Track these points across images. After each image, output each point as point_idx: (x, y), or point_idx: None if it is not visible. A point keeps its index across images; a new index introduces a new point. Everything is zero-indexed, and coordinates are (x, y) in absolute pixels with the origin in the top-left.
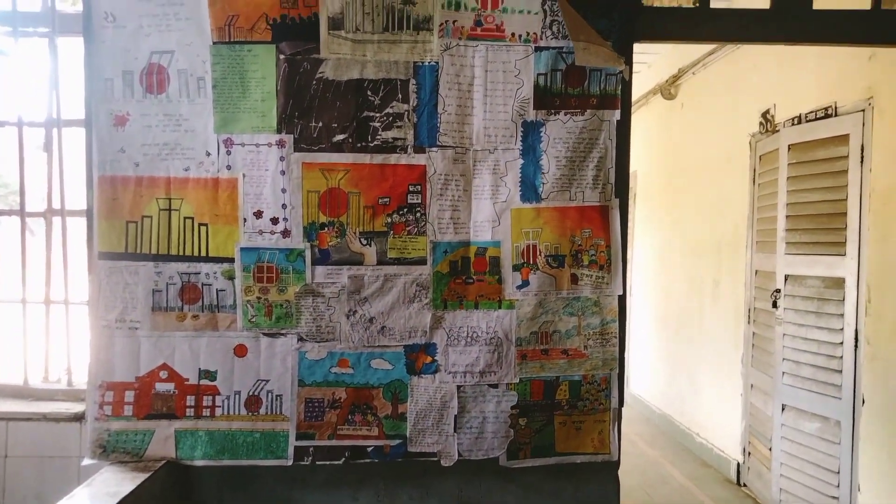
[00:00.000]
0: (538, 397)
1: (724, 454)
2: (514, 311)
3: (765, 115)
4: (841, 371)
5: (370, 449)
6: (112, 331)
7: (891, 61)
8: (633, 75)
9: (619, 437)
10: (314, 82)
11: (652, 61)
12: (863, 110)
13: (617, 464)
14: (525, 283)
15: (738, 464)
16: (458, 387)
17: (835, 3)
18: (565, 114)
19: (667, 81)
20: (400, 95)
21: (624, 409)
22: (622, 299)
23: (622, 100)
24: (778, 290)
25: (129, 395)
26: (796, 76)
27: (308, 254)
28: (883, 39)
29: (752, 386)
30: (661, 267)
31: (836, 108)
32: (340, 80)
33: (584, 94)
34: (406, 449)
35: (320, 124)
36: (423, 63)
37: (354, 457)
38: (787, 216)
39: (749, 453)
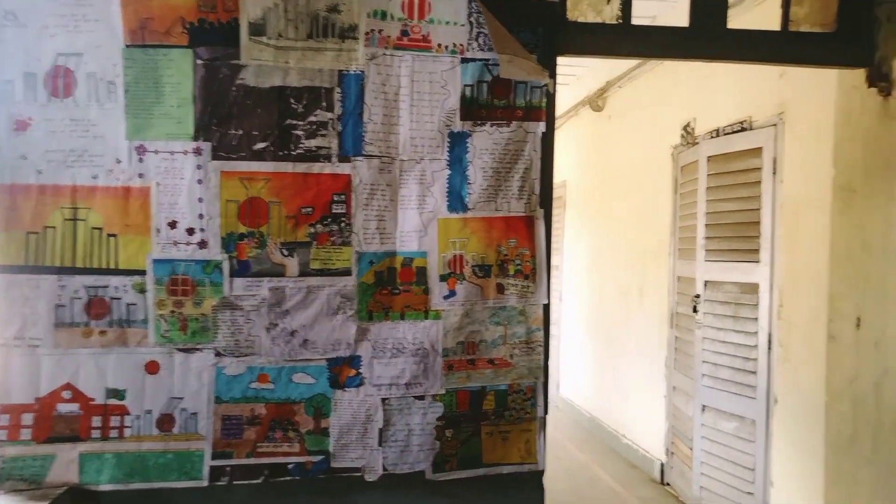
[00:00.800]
0: (464, 408)
1: (649, 455)
2: (440, 322)
3: (686, 127)
4: (755, 372)
5: (291, 466)
6: (9, 349)
7: (800, 79)
8: (564, 87)
9: (545, 446)
10: (234, 88)
11: (581, 73)
12: (775, 125)
13: (542, 473)
14: (452, 294)
15: (662, 464)
16: (384, 399)
17: (748, 23)
18: (492, 125)
19: (595, 94)
20: (324, 103)
21: (556, 414)
22: (546, 308)
23: (547, 112)
24: (698, 296)
25: (28, 418)
26: (715, 91)
27: (226, 265)
28: (790, 59)
29: (674, 388)
30: (591, 273)
31: (750, 122)
32: (262, 86)
33: (510, 105)
34: (329, 465)
35: (240, 132)
36: (348, 71)
37: (274, 475)
38: (706, 224)
39: (672, 453)
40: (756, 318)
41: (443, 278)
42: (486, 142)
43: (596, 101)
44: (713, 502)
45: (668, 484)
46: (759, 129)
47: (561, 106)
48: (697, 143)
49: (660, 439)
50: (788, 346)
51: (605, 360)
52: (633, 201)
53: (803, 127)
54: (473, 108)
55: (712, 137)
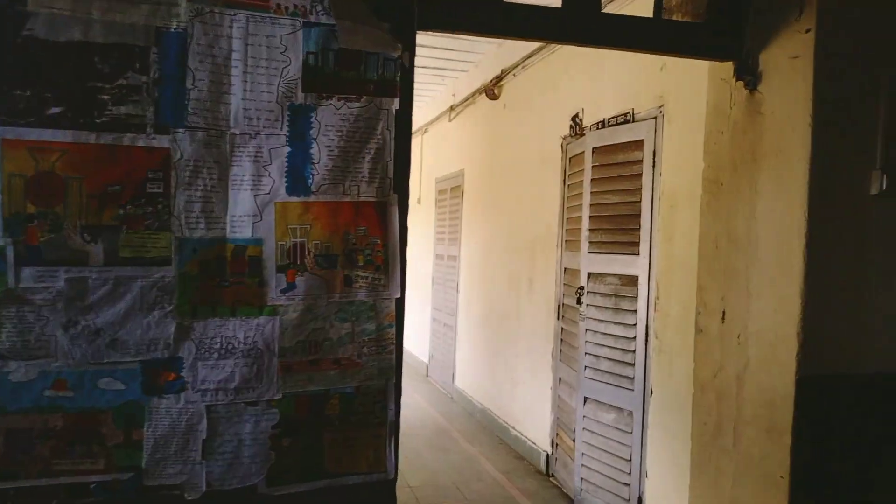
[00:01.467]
0: (305, 414)
1: (536, 446)
2: (277, 319)
3: (575, 118)
4: (633, 364)
5: (94, 485)
6: None
7: (679, 72)
8: (462, 74)
9: (397, 454)
10: (20, 41)
11: (478, 61)
12: (655, 117)
13: (394, 482)
14: (291, 286)
15: (548, 455)
16: (209, 406)
17: (625, 9)
18: (339, 99)
19: (491, 82)
20: (137, 65)
21: (449, 406)
22: (400, 302)
23: (403, 88)
24: (582, 288)
25: None
26: (602, 83)
27: (11, 252)
28: (662, 48)
29: (560, 379)
30: (485, 264)
31: (633, 114)
32: (57, 40)
33: (361, 78)
34: (141, 482)
35: (28, 93)
36: (167, 29)
37: (73, 496)
38: (591, 216)
39: (557, 445)
40: (635, 311)
41: (281, 269)
42: (332, 117)
43: (492, 90)
44: (592, 493)
45: (552, 475)
46: (640, 121)
47: (458, 93)
48: (584, 135)
49: (546, 431)
50: (664, 338)
51: (497, 351)
52: (525, 191)
53: (680, 120)
54: (318, 79)
55: (598, 129)
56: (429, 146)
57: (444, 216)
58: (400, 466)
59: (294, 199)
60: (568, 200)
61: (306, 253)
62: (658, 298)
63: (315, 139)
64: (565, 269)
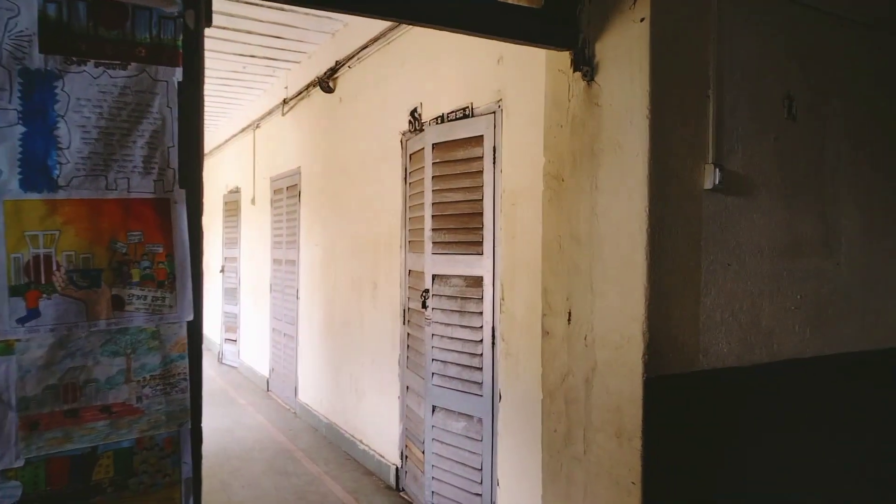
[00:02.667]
0: (60, 483)
1: (384, 460)
2: (13, 358)
3: (413, 113)
4: (482, 368)
5: None
6: None
7: (516, 64)
8: (295, 65)
9: None
10: None
11: (311, 52)
12: (494, 112)
13: None
14: (33, 314)
15: (397, 469)
16: None
17: None
18: (97, 65)
19: (325, 74)
20: None
21: (292, 422)
22: (195, 326)
23: (188, 56)
24: (427, 290)
25: None
26: (441, 76)
27: None
28: (499, 31)
29: (407, 388)
30: (326, 268)
31: (472, 108)
32: None
33: (127, 40)
34: None
35: None
36: None
37: None
38: (433, 216)
39: (406, 457)
40: (481, 313)
41: (16, 292)
42: (88, 89)
43: (326, 82)
44: None
45: (403, 490)
46: (479, 116)
47: (292, 86)
48: (424, 130)
49: (395, 443)
50: (511, 341)
51: (341, 361)
52: (366, 190)
53: (519, 114)
54: (65, 38)
55: (437, 124)
56: (262, 142)
57: (281, 218)
58: (234, 499)
59: (33, 196)
60: (410, 199)
61: (55, 268)
62: (503, 300)
63: (62, 116)
64: (410, 271)
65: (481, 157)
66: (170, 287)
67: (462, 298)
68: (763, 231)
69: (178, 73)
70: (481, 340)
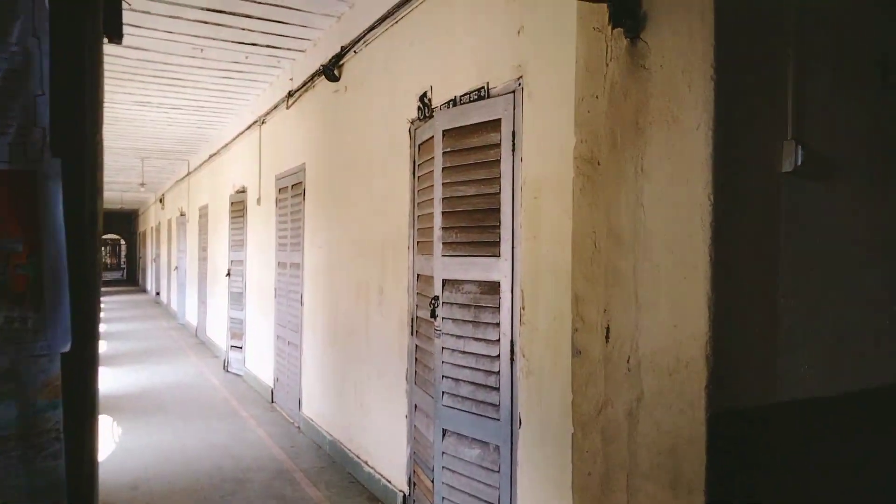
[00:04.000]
0: None
1: (391, 486)
2: None
3: (422, 98)
4: (498, 388)
5: None
6: None
7: (539, 33)
8: (299, 54)
9: None
10: None
11: (316, 38)
12: (513, 91)
13: None
14: None
15: (405, 496)
16: None
17: None
18: None
19: (330, 61)
20: None
21: (295, 437)
22: (81, 359)
23: None
24: (436, 298)
25: None
26: (452, 54)
27: None
28: None
29: (416, 407)
30: (330, 272)
31: (488, 89)
32: None
33: None
34: None
35: None
36: None
37: None
38: (444, 212)
39: (415, 484)
40: (498, 324)
41: None
42: None
43: (331, 70)
44: None
45: None
46: (496, 97)
47: (297, 77)
48: (434, 116)
49: (402, 468)
50: (532, 357)
51: (346, 373)
52: (372, 187)
53: (543, 91)
54: None
55: (449, 108)
56: (268, 139)
57: (286, 218)
58: None
59: None
60: (419, 195)
61: None
62: (524, 309)
63: None
64: (418, 275)
65: (498, 145)
66: (33, 302)
67: (476, 307)
68: (852, 226)
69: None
70: (498, 356)
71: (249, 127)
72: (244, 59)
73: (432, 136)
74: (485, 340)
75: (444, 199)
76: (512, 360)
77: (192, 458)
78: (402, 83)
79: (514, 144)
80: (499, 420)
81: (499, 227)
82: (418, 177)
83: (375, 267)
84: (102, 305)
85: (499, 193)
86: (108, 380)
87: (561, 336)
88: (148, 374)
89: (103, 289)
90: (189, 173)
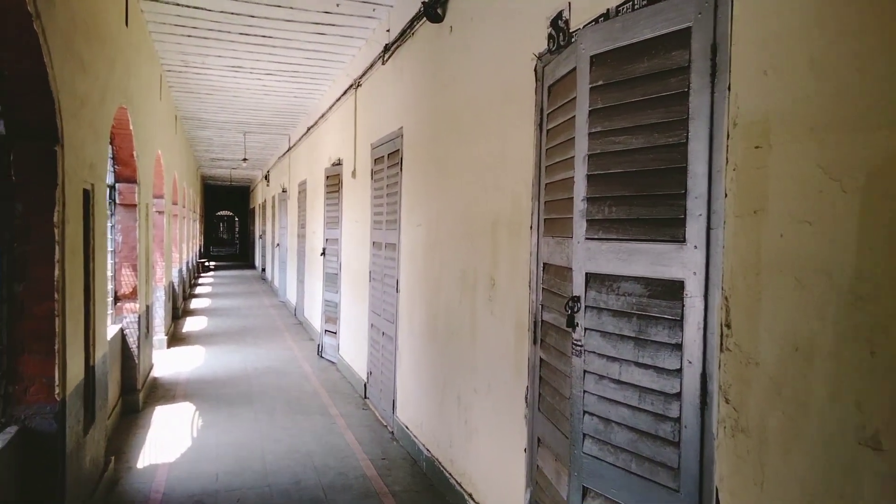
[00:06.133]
0: None
1: None
2: None
3: (555, 21)
4: (678, 444)
5: None
6: None
7: None
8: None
9: None
10: None
11: None
12: None
13: None
14: None
15: None
16: None
17: None
18: None
19: None
20: None
21: (388, 447)
22: None
23: None
24: (576, 299)
25: None
26: None
27: None
28: None
29: (539, 441)
30: (430, 255)
31: None
32: None
33: None
34: None
35: None
36: None
37: None
38: (590, 176)
39: None
40: (679, 346)
41: None
42: None
43: (434, 7)
44: None
45: None
46: None
47: (394, 27)
48: (574, 42)
49: None
50: (744, 406)
51: (447, 379)
52: (480, 149)
53: None
54: None
55: (600, 24)
56: (363, 104)
57: (382, 192)
58: None
59: None
60: (547, 155)
61: None
62: (728, 327)
63: None
64: (545, 265)
65: (685, 68)
66: None
67: (642, 317)
68: None
69: None
70: (678, 394)
71: (345, 92)
72: (335, 9)
73: (572, 70)
74: (655, 368)
75: (590, 156)
76: (703, 403)
77: (271, 470)
78: (525, 5)
79: (714, 65)
80: (678, 493)
81: (684, 196)
82: (547, 130)
83: (484, 251)
84: (211, 280)
85: (685, 144)
86: (202, 361)
87: (810, 382)
88: (241, 357)
89: (215, 263)
90: (290, 148)
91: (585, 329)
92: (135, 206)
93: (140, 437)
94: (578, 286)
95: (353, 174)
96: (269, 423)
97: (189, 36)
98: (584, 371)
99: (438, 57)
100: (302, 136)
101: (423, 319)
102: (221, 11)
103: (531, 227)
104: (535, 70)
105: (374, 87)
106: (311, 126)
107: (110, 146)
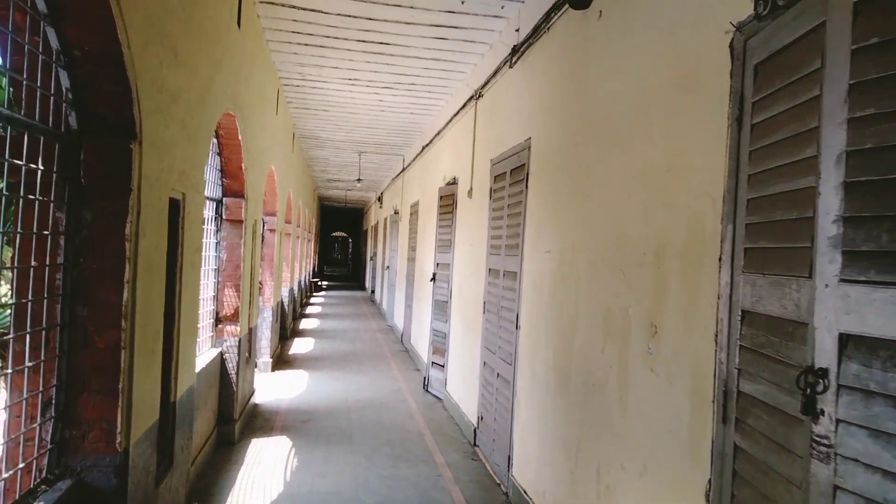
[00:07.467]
0: None
1: None
2: None
3: None
4: None
5: None
6: None
7: None
8: None
9: None
10: None
11: None
12: None
13: None
14: None
15: None
16: None
17: None
18: None
19: None
20: None
21: None
22: None
23: None
24: (820, 372)
25: None
26: None
27: None
28: None
29: None
30: (561, 288)
31: None
32: None
33: None
34: None
35: None
36: None
37: None
38: (848, 184)
39: None
40: None
41: None
42: None
43: None
44: None
45: None
46: None
47: (525, 25)
48: None
49: None
50: None
51: (582, 443)
52: (637, 157)
53: None
54: None
55: None
56: (484, 116)
57: (501, 213)
58: None
59: None
60: (753, 161)
61: None
62: None
63: None
64: (745, 312)
65: None
66: None
67: None
68: None
69: None
70: None
71: (464, 105)
72: (459, 7)
73: (809, 32)
74: None
75: (849, 153)
76: None
77: None
78: None
79: None
80: None
81: None
82: (753, 125)
83: (641, 288)
84: (322, 300)
85: None
86: (304, 388)
87: None
88: (344, 385)
89: (328, 283)
90: (403, 169)
91: (838, 421)
92: (241, 222)
93: (231, 475)
94: (825, 353)
95: (469, 193)
96: (366, 468)
97: (305, 44)
98: (836, 487)
99: (580, 51)
100: (416, 156)
101: (549, 365)
102: (338, 14)
103: (720, 259)
104: (732, 46)
105: (497, 97)
106: (426, 144)
107: (218, 157)
